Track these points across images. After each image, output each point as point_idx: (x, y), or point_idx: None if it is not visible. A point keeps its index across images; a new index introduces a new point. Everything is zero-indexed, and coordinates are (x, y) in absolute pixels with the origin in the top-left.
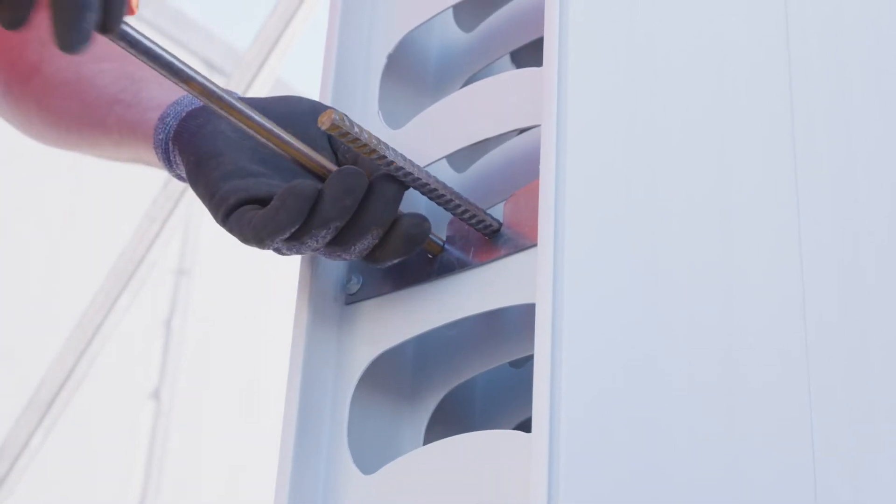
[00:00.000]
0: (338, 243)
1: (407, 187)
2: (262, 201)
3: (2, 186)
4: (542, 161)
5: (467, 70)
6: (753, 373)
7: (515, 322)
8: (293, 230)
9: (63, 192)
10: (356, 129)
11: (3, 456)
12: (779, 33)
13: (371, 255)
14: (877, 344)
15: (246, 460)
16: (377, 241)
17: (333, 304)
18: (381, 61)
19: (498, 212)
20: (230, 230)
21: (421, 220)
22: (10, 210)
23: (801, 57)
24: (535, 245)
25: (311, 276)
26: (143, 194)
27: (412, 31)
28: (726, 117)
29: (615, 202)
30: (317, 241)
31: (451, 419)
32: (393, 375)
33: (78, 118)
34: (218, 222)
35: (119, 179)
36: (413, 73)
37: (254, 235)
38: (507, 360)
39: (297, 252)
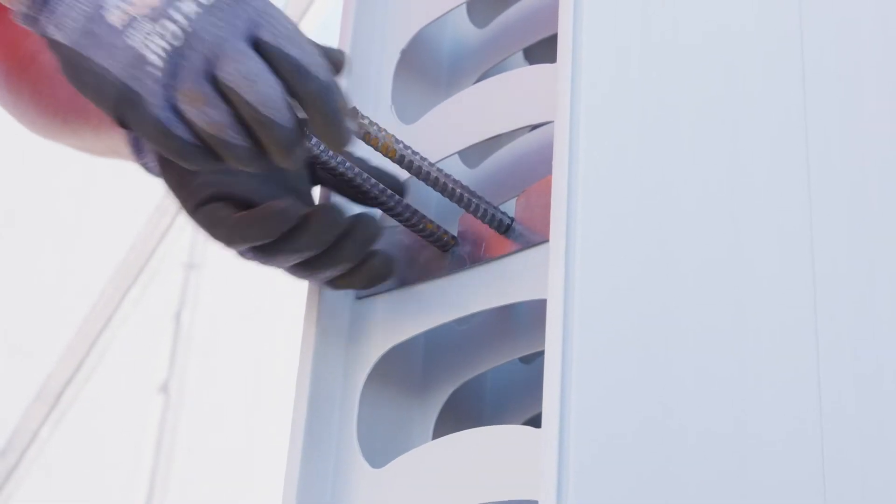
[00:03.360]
0: (305, 268)
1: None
2: (237, 201)
3: (11, 180)
4: (554, 157)
5: (480, 66)
6: (766, 361)
7: (526, 317)
8: (265, 243)
9: (73, 184)
10: (367, 124)
11: (13, 447)
12: (792, 30)
13: (332, 282)
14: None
15: (255, 454)
16: (344, 272)
17: (344, 299)
18: (395, 56)
19: (510, 207)
20: (199, 222)
21: (390, 261)
22: (19, 203)
23: (815, 58)
24: (546, 241)
25: None
26: (154, 187)
27: (425, 26)
28: (740, 115)
29: (627, 199)
30: (286, 262)
31: (460, 414)
32: (403, 369)
33: (64, 105)
34: (186, 212)
35: (130, 172)
36: (426, 69)
37: (225, 235)
38: (518, 356)
39: (262, 264)
